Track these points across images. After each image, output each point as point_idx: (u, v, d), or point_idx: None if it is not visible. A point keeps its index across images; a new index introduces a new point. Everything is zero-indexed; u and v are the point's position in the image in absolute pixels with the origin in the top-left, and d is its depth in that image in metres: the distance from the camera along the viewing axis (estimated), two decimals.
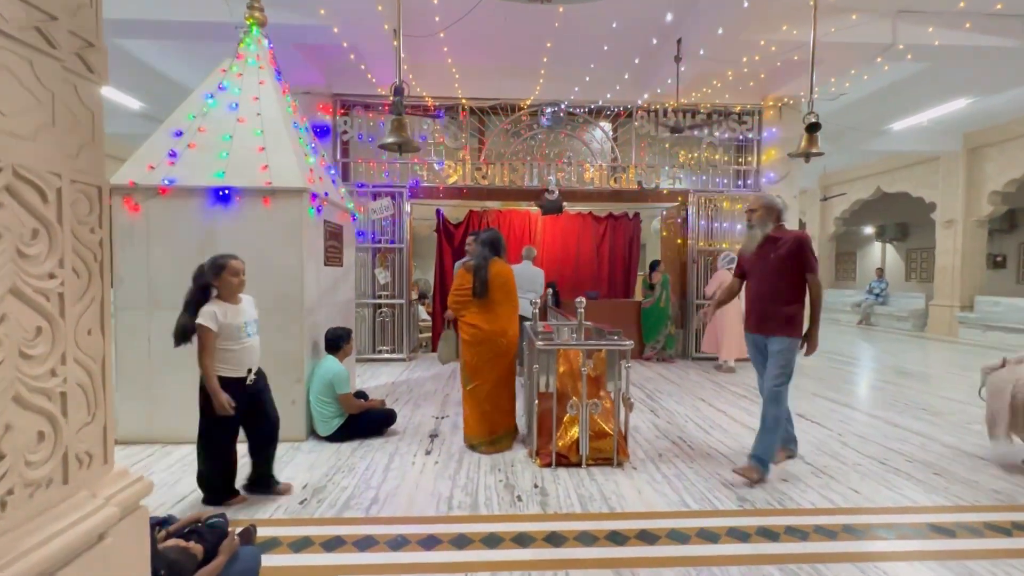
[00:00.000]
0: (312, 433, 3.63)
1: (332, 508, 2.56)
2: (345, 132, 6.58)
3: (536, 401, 3.23)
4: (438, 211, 7.73)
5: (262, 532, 2.27)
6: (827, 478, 2.97)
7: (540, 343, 3.10)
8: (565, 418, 3.20)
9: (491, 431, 3.39)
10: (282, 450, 3.33)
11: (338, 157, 6.63)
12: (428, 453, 3.34)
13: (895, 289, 12.35)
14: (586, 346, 3.20)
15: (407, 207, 6.69)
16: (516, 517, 2.48)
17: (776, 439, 2.90)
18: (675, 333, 6.85)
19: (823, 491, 2.79)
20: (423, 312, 8.44)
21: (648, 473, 3.02)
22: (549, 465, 3.09)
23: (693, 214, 6.86)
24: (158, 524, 1.88)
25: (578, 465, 3.09)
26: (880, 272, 12.27)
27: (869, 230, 14.35)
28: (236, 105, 3.73)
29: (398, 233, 6.71)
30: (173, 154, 3.52)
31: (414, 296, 8.53)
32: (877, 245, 14.45)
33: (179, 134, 3.60)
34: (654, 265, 6.78)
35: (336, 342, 3.72)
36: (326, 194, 3.93)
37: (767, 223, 2.96)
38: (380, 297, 6.72)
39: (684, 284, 7.04)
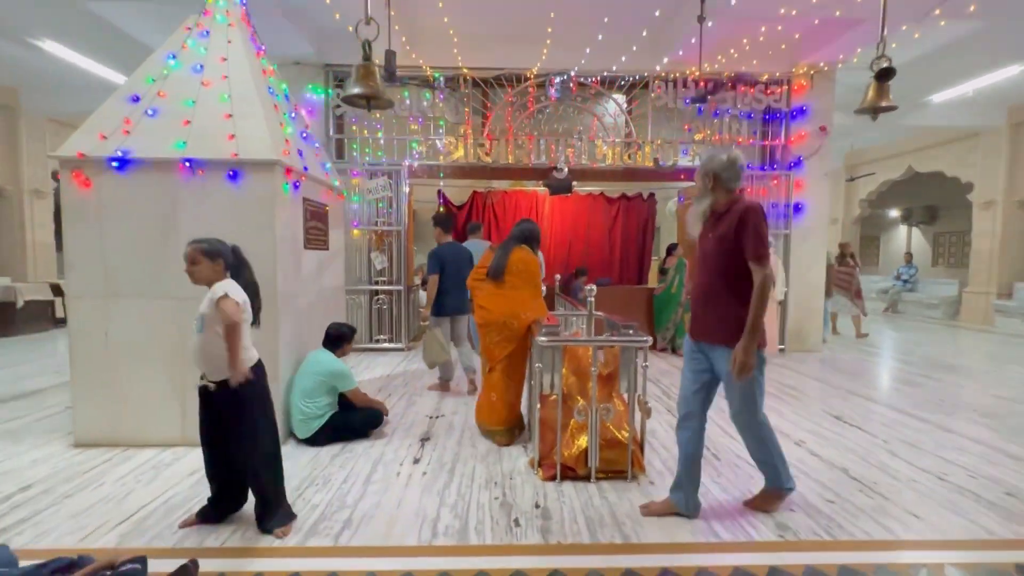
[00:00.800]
0: (291, 435, 3.26)
1: (296, 534, 2.18)
2: (338, 106, 6.12)
3: (539, 405, 2.81)
4: (440, 192, 7.29)
5: (207, 566, 1.90)
6: (879, 498, 2.53)
7: (542, 338, 2.67)
8: (572, 424, 2.78)
9: (489, 420, 3.29)
10: None
11: (331, 133, 6.19)
12: (416, 461, 2.96)
13: (921, 275, 11.70)
14: (597, 342, 2.77)
15: (405, 187, 6.25)
16: (512, 548, 2.08)
17: (779, 462, 2.33)
18: (687, 321, 6.36)
19: (878, 516, 2.35)
20: (425, 298, 8.04)
21: (668, 489, 2.60)
22: (553, 478, 2.69)
23: None
24: (60, 570, 1.51)
25: (586, 479, 2.69)
26: (909, 257, 11.63)
27: (894, 213, 13.63)
28: (201, 67, 3.30)
29: (396, 214, 6.28)
30: (128, 122, 3.10)
31: (416, 281, 8.14)
32: (902, 229, 13.74)
33: (136, 99, 3.18)
34: (671, 249, 6.29)
35: (338, 340, 3.34)
36: (305, 169, 3.50)
37: (708, 192, 2.23)
38: (377, 283, 6.33)
39: None
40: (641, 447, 2.80)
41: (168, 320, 3.10)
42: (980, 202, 9.08)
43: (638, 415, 2.79)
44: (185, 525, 2.26)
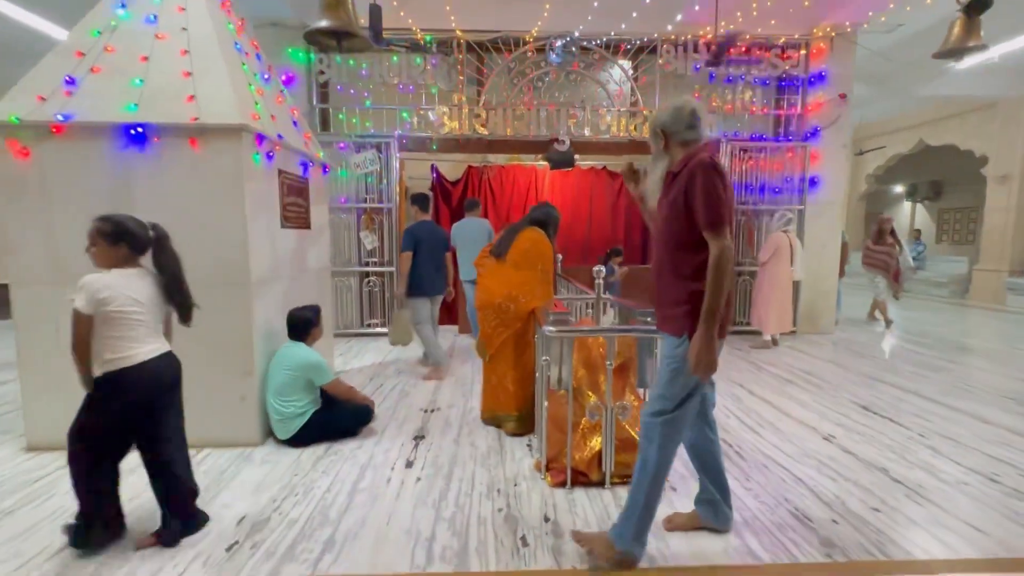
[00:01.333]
0: (270, 434, 2.95)
1: (269, 559, 1.88)
2: (322, 72, 5.65)
3: (545, 402, 2.50)
4: (433, 167, 6.86)
5: None
6: (931, 506, 2.25)
7: (549, 328, 2.34)
8: (583, 423, 2.48)
9: (492, 407, 3.15)
10: (231, 458, 2.68)
11: (315, 103, 5.73)
12: (409, 465, 2.65)
13: (927, 253, 11.42)
14: (611, 332, 2.44)
15: (395, 161, 5.82)
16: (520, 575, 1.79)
17: (647, 511, 1.80)
18: None
19: (933, 528, 2.07)
20: None
21: (691, 496, 2.31)
22: (563, 484, 2.39)
23: (726, 168, 5.94)
24: None
25: (600, 485, 2.40)
26: (917, 234, 11.34)
27: (898, 189, 13.29)
28: (155, 18, 2.87)
29: (386, 191, 5.87)
30: (71, 81, 2.69)
31: None
32: (906, 206, 13.42)
33: (81, 55, 2.76)
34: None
35: (302, 326, 2.98)
36: (280, 137, 3.11)
37: (662, 153, 1.81)
38: (368, 264, 5.96)
39: None
40: None
41: None
42: (995, 176, 8.74)
43: None
44: (142, 546, 1.96)
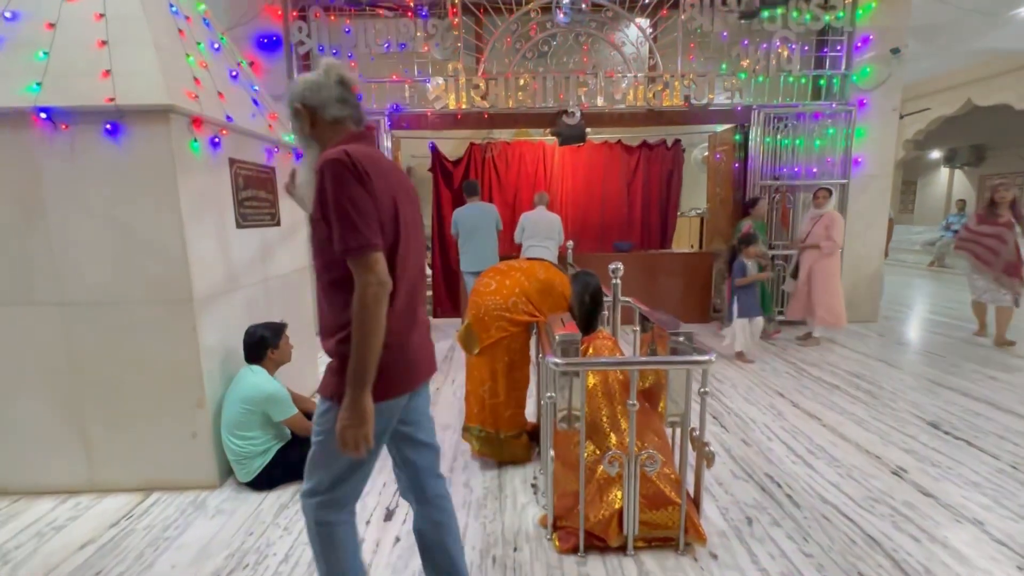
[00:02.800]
0: (230, 473, 2.52)
1: None
2: (302, 43, 5.06)
3: (551, 445, 2.00)
4: (432, 145, 6.28)
5: None
6: None
7: (555, 359, 1.82)
8: (599, 472, 1.99)
9: (466, 416, 2.60)
10: (181, 506, 2.26)
11: (295, 75, 5.15)
12: (389, 517, 2.21)
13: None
14: (637, 365, 1.92)
15: (387, 140, 5.26)
16: None
17: None
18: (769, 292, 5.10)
19: None
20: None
21: (739, 568, 1.83)
22: (574, 551, 1.92)
23: (756, 138, 5.27)
24: None
25: (622, 551, 1.92)
26: (962, 204, 10.46)
27: (935, 155, 12.30)
28: None
29: None
30: None
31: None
32: (942, 173, 12.46)
33: None
34: (752, 202, 4.92)
35: (256, 347, 2.49)
36: (229, 119, 2.58)
37: (309, 140, 1.32)
38: None
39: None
40: (697, 504, 2.00)
41: (51, 332, 2.30)
42: None
43: (691, 456, 1.98)
44: None
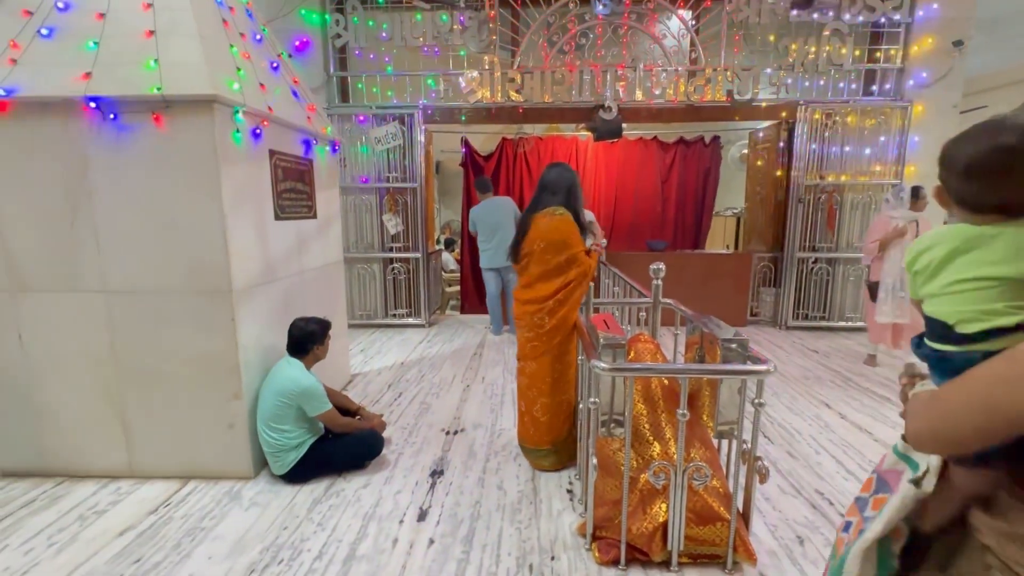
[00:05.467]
0: (265, 465, 2.52)
1: None
2: (339, 36, 5.07)
3: (591, 452, 1.92)
4: (464, 140, 6.24)
5: None
6: None
7: (599, 363, 1.73)
8: (641, 481, 1.90)
9: (523, 439, 2.59)
10: (216, 496, 2.26)
11: (332, 71, 5.17)
12: (423, 517, 2.16)
13: None
14: (687, 372, 1.83)
15: (420, 135, 5.23)
16: None
17: None
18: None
19: None
20: (452, 261, 7.19)
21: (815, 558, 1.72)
22: (615, 563, 1.84)
23: (802, 134, 5.04)
24: None
25: (665, 566, 1.83)
26: None
27: None
28: None
29: (411, 168, 5.31)
30: (16, 47, 2.22)
31: (439, 245, 7.28)
32: None
33: (28, 15, 2.28)
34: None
35: (303, 341, 2.48)
36: (270, 110, 2.57)
37: None
38: (391, 250, 5.47)
39: (783, 231, 5.36)
40: (747, 521, 1.90)
41: (95, 319, 2.33)
42: None
43: (741, 468, 1.87)
44: None
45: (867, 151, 5.00)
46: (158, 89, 2.11)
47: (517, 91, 5.06)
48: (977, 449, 0.67)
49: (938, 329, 0.80)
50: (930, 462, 0.79)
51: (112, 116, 2.15)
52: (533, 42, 5.07)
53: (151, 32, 2.23)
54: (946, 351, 0.79)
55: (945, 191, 0.84)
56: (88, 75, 2.15)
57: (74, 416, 2.42)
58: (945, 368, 0.79)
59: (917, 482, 0.79)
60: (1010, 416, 0.60)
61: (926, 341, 0.83)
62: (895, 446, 0.89)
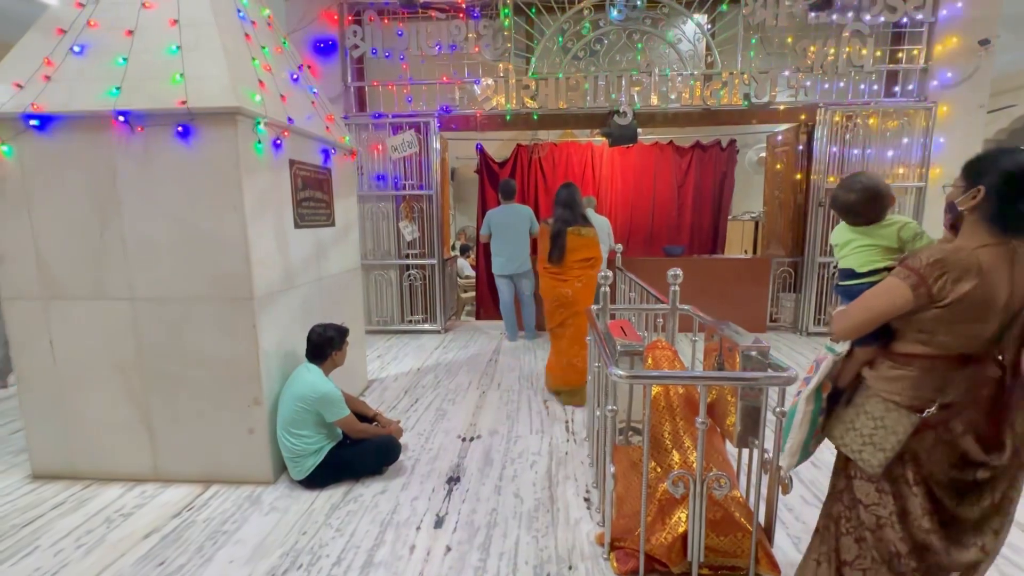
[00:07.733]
0: (284, 470, 2.55)
1: None
2: (356, 46, 5.15)
3: (610, 460, 1.91)
4: (479, 147, 6.28)
5: None
6: None
7: (617, 370, 1.72)
8: (660, 491, 1.87)
9: (559, 382, 3.50)
10: (237, 500, 2.30)
11: (349, 81, 5.26)
12: (439, 524, 2.17)
13: None
14: (709, 381, 1.80)
15: (435, 142, 5.28)
16: None
17: None
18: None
19: None
20: (467, 267, 7.22)
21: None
22: (634, 574, 1.82)
23: (822, 137, 4.96)
24: None
25: None
26: None
27: None
28: None
29: (427, 175, 5.36)
30: (50, 64, 2.31)
31: (454, 251, 7.32)
32: None
33: (62, 33, 2.37)
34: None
35: (322, 348, 2.52)
36: (291, 121, 2.63)
37: None
38: (408, 256, 5.52)
39: (802, 235, 5.27)
40: (769, 533, 1.86)
41: (122, 326, 2.40)
42: None
43: (763, 479, 1.83)
44: None
45: (890, 153, 4.90)
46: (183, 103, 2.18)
47: (532, 98, 5.08)
48: (865, 334, 1.31)
49: (847, 273, 1.51)
50: (843, 347, 1.37)
51: (139, 129, 2.22)
52: (548, 48, 5.09)
53: (177, 47, 2.30)
54: (850, 285, 1.48)
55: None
56: (118, 91, 2.22)
57: (101, 420, 2.49)
58: (849, 293, 1.45)
59: (837, 355, 1.38)
60: (878, 312, 1.26)
61: (839, 282, 1.55)
62: (825, 344, 1.43)
